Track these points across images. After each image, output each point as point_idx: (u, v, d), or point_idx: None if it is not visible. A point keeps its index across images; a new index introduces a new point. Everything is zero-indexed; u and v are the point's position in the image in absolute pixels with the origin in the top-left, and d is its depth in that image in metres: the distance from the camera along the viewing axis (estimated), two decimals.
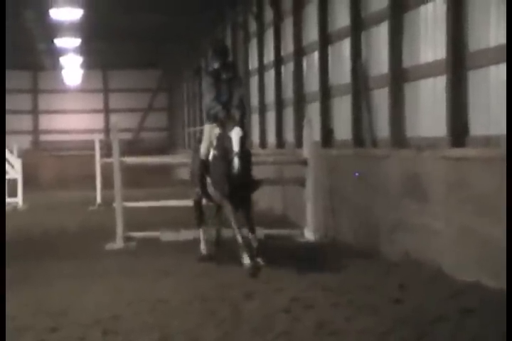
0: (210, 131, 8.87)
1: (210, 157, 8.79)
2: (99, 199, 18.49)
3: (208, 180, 8.90)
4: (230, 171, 8.33)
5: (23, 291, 7.61)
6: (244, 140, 8.42)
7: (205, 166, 8.89)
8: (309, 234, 10.73)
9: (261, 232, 10.94)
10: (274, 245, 10.11)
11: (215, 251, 9.46)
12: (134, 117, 33.49)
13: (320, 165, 10.99)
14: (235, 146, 8.31)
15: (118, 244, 10.55)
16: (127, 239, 10.72)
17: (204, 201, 9.59)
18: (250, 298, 6.92)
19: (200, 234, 9.68)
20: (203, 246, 9.50)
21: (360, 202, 9.87)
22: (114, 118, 33.06)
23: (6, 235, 11.58)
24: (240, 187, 8.48)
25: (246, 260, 8.35)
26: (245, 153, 8.47)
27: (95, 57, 29.74)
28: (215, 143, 8.74)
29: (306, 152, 11.03)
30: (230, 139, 8.36)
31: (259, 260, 8.42)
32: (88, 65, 30.51)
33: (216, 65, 8.83)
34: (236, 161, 8.25)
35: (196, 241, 10.43)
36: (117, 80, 33.32)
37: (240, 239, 8.45)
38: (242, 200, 8.61)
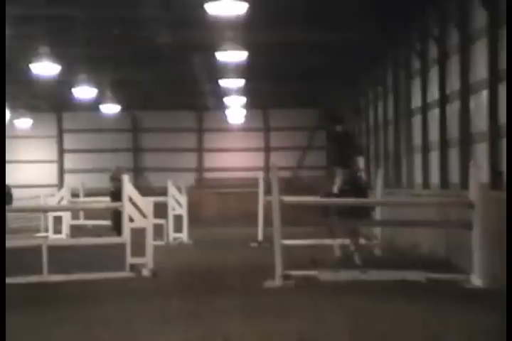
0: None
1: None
2: (260, 236, 18.73)
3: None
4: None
5: (184, 326, 7.76)
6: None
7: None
8: (477, 280, 10.22)
9: (423, 275, 10.58)
10: (437, 290, 9.74)
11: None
12: (293, 155, 33.90)
13: (488, 208, 10.49)
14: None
15: (276, 282, 10.55)
16: (286, 278, 10.70)
17: None
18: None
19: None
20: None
21: None
22: (274, 156, 33.69)
23: (173, 269, 11.96)
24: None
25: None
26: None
27: (257, 96, 30.54)
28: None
29: (472, 194, 10.59)
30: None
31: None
32: (250, 105, 31.37)
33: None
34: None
35: (355, 282, 10.29)
36: (277, 119, 33.97)
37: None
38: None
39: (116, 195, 14.53)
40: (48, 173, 32.96)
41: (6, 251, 10.48)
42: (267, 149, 34.21)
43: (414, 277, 10.69)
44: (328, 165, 12.61)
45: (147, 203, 11.97)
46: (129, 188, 11.88)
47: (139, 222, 11.77)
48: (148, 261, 11.78)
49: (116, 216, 14.47)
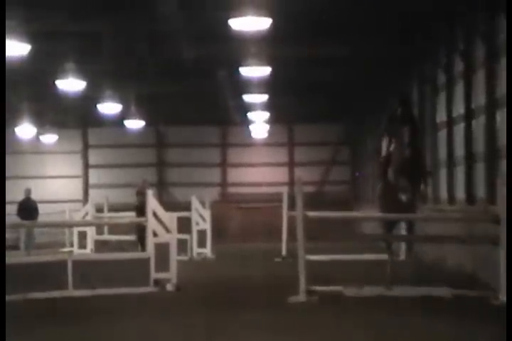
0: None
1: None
2: (284, 251, 18.65)
3: None
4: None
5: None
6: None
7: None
8: (504, 297, 10.06)
9: (448, 291, 10.45)
10: (463, 306, 9.61)
11: None
12: (317, 170, 33.80)
13: None
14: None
15: (301, 297, 10.48)
16: (310, 293, 10.62)
17: None
18: None
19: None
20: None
21: None
22: (298, 171, 33.63)
23: (197, 284, 11.93)
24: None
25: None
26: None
27: (280, 111, 30.56)
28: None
29: (499, 209, 10.46)
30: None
31: None
32: (274, 120, 31.40)
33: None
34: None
35: (379, 298, 10.19)
36: (301, 134, 33.94)
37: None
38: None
39: (140, 209, 14.57)
40: (73, 188, 33.12)
41: (29, 264, 10.53)
42: (291, 164, 34.15)
43: (439, 293, 10.57)
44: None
45: (171, 218, 11.98)
46: (153, 203, 11.90)
47: (163, 237, 11.78)
48: (172, 275, 11.77)
49: (141, 231, 14.49)
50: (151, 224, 11.76)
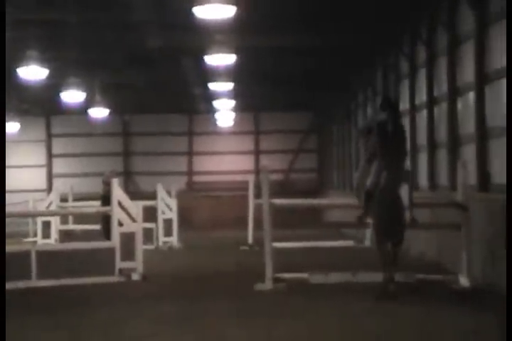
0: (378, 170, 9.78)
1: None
2: (250, 240, 18.74)
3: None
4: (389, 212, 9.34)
5: (178, 330, 7.75)
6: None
7: (369, 195, 9.77)
8: (464, 281, 10.26)
9: (412, 277, 10.61)
10: (425, 291, 9.78)
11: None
12: (284, 158, 33.91)
13: (476, 209, 10.53)
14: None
15: (267, 284, 10.55)
16: (277, 280, 10.70)
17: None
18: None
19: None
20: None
21: None
22: (264, 159, 33.71)
23: (163, 273, 11.93)
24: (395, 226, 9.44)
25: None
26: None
27: (247, 100, 30.56)
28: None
29: (460, 195, 10.64)
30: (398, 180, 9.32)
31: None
32: (240, 108, 31.38)
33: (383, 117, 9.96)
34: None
35: (346, 284, 10.30)
36: (268, 122, 34.00)
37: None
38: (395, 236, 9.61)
39: (106, 199, 14.51)
40: (36, 178, 32.81)
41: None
42: (258, 152, 34.22)
43: (403, 278, 10.72)
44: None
45: (137, 207, 11.95)
46: (118, 192, 11.86)
47: (129, 226, 11.76)
48: (138, 265, 11.77)
49: (106, 220, 14.46)
50: (117, 213, 11.72)
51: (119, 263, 11.63)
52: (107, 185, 15.99)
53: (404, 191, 9.41)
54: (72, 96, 24.35)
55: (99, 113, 29.08)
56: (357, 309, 8.73)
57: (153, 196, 20.27)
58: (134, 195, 21.07)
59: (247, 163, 34.03)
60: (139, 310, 8.95)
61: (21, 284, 10.74)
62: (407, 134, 10.55)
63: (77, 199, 23.76)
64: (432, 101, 16.64)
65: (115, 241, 11.68)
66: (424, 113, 17.18)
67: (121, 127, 33.76)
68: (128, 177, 33.37)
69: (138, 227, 11.82)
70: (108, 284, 11.21)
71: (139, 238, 11.79)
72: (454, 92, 14.96)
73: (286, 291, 10.28)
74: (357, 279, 10.73)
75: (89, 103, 27.82)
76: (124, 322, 8.24)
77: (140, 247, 11.81)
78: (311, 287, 10.53)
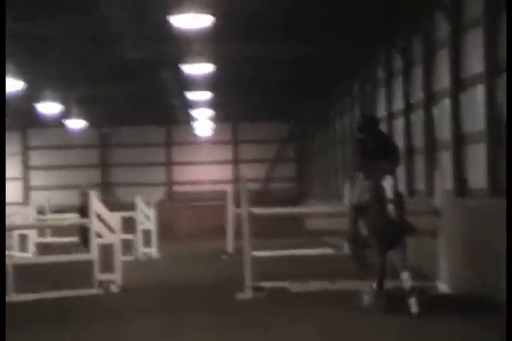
0: (362, 182, 9.38)
1: (367, 202, 9.17)
2: (230, 249, 18.68)
3: (361, 224, 9.30)
4: (383, 217, 8.82)
5: None
6: (397, 188, 9.00)
7: (357, 211, 9.32)
8: (443, 287, 10.30)
9: (391, 284, 10.63)
10: (405, 297, 9.77)
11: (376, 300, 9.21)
12: (262, 168, 33.93)
13: (453, 214, 10.59)
14: (388, 194, 8.78)
15: (247, 294, 10.52)
16: (256, 289, 10.67)
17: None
18: None
19: (362, 284, 9.66)
20: (365, 298, 9.36)
21: (498, 254, 9.37)
22: (243, 169, 33.71)
23: (142, 284, 11.83)
24: (393, 231, 8.94)
25: (414, 308, 8.51)
26: (398, 199, 8.96)
27: (225, 109, 30.57)
28: (367, 191, 9.17)
29: (437, 201, 10.69)
30: (382, 188, 8.84)
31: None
32: (218, 118, 31.39)
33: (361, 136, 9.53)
34: (390, 209, 8.74)
35: (325, 292, 10.29)
36: (246, 132, 34.04)
37: (405, 283, 8.81)
38: (395, 243, 9.08)
39: (84, 211, 14.40)
40: (13, 191, 32.47)
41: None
42: (236, 162, 34.23)
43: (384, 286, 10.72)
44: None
45: (115, 218, 11.87)
46: (96, 204, 11.78)
47: (107, 238, 11.67)
48: (117, 277, 11.67)
49: (84, 232, 14.34)
50: (95, 225, 11.64)
51: (98, 275, 11.52)
52: (85, 196, 15.89)
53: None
54: (49, 108, 24.22)
55: (76, 125, 28.94)
56: (335, 317, 8.71)
57: (132, 207, 20.17)
58: (113, 206, 20.93)
59: (225, 172, 34.00)
60: (119, 324, 8.86)
61: None
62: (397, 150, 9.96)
63: (54, 211, 23.56)
64: (408, 109, 16.75)
65: (93, 252, 11.58)
66: (401, 120, 17.29)
67: (99, 139, 33.60)
68: (106, 188, 33.19)
69: (116, 238, 11.73)
70: (87, 297, 11.11)
71: (118, 249, 11.70)
72: (430, 99, 15.07)
73: (266, 300, 10.25)
74: (336, 287, 10.73)
75: (66, 115, 27.68)
76: (104, 335, 8.15)
77: (119, 258, 11.73)
78: (290, 295, 10.51)
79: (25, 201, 31.93)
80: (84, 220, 13.21)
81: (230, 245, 18.83)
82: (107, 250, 11.57)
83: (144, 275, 14.22)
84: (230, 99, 28.57)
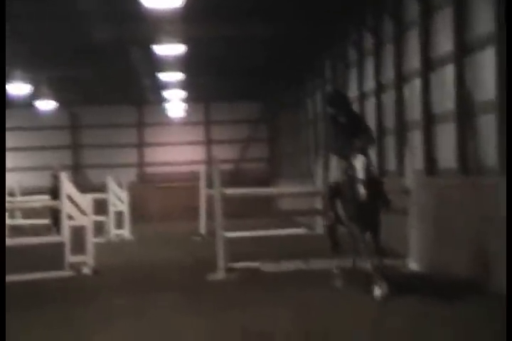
0: (338, 161, 9.19)
1: (340, 183, 9.05)
2: (203, 230, 18.69)
3: (339, 204, 9.18)
4: (356, 198, 8.65)
5: (130, 324, 7.69)
6: (369, 167, 8.78)
7: (333, 192, 9.19)
8: (413, 265, 10.43)
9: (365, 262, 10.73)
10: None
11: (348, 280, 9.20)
12: (235, 148, 33.90)
13: (423, 193, 10.69)
14: (360, 174, 8.60)
15: (219, 274, 10.56)
16: (229, 270, 10.71)
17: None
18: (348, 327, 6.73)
19: (334, 263, 9.63)
20: (337, 278, 9.32)
21: (467, 232, 9.50)
22: (216, 150, 33.64)
23: (114, 266, 11.82)
24: (366, 212, 8.78)
25: (377, 291, 8.31)
26: (372, 179, 8.76)
27: (197, 90, 30.41)
28: (342, 170, 9.02)
29: (408, 180, 10.78)
30: (354, 168, 8.69)
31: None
32: (190, 98, 31.23)
33: (332, 111, 9.22)
34: (361, 188, 8.53)
35: (298, 272, 10.36)
36: (219, 112, 33.91)
37: (370, 266, 8.61)
38: (369, 224, 8.92)
39: (55, 193, 14.31)
40: None
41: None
42: (208, 142, 34.15)
43: (356, 264, 10.82)
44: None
45: (86, 200, 11.81)
46: (67, 185, 11.70)
47: (79, 220, 11.61)
48: (88, 259, 11.64)
49: (55, 214, 14.27)
50: (66, 207, 11.56)
51: (70, 258, 11.47)
52: (56, 178, 15.77)
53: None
54: (18, 89, 23.90)
55: (46, 106, 28.61)
56: (308, 296, 8.78)
57: (104, 189, 20.06)
58: (84, 188, 20.79)
59: (198, 153, 33.92)
60: (90, 305, 8.86)
61: None
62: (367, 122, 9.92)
63: (25, 193, 23.36)
64: (379, 89, 16.80)
65: (65, 234, 11.52)
66: (373, 100, 17.35)
67: (69, 120, 33.29)
68: (77, 170, 32.96)
69: (88, 220, 11.67)
70: (58, 279, 11.07)
71: (90, 231, 11.66)
72: (401, 79, 15.12)
73: (238, 281, 10.29)
74: (309, 266, 10.80)
75: (35, 96, 27.34)
76: (75, 317, 8.14)
77: (90, 240, 11.69)
78: (263, 276, 10.56)
79: None
80: (55, 202, 13.12)
81: (202, 226, 18.84)
82: (78, 232, 11.52)
83: (116, 256, 14.20)
84: (201, 79, 28.41)
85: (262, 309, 8.15)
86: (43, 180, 26.85)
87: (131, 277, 11.30)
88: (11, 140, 32.66)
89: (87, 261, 11.61)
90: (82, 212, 11.67)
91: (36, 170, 31.16)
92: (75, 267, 11.53)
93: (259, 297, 8.90)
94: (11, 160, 32.60)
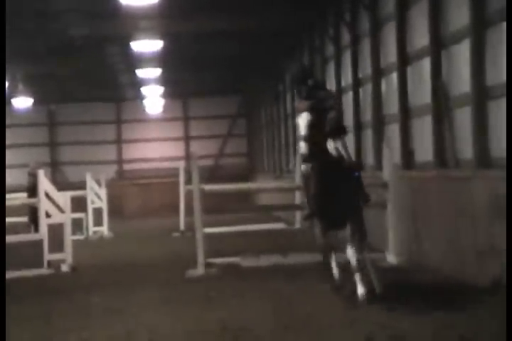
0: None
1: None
2: (182, 226, 18.66)
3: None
4: (325, 196, 7.73)
5: (108, 321, 7.66)
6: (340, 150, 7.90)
7: (306, 176, 8.25)
8: (392, 258, 10.47)
9: (341, 256, 10.77)
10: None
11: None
12: (214, 143, 33.86)
13: (401, 187, 10.74)
14: (302, 131, 7.62)
15: (199, 270, 10.54)
16: (208, 266, 10.70)
17: None
18: (335, 327, 6.76)
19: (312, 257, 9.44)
20: (335, 273, 8.37)
21: (445, 225, 9.56)
22: (194, 145, 33.58)
23: (93, 263, 11.76)
24: (333, 203, 7.76)
25: (361, 290, 7.67)
26: (338, 163, 7.81)
27: (175, 86, 30.33)
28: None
29: (386, 174, 10.82)
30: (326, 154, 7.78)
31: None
32: (169, 94, 31.13)
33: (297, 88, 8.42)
34: (302, 145, 7.57)
35: (277, 266, 10.38)
36: (197, 108, 33.85)
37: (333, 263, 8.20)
38: (341, 217, 7.93)
39: (32, 190, 14.18)
40: None
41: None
42: (187, 138, 34.08)
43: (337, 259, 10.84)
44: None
45: (64, 198, 11.74)
46: (44, 183, 11.62)
47: (57, 217, 11.55)
48: (67, 256, 11.58)
49: (33, 212, 14.15)
50: (44, 204, 11.49)
51: (48, 255, 11.41)
52: (33, 176, 15.62)
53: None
54: None
55: (22, 103, 28.38)
56: (286, 291, 8.79)
57: (82, 186, 19.96)
58: (62, 185, 20.68)
59: (177, 149, 33.86)
60: (68, 303, 8.81)
61: None
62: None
63: None
64: (357, 83, 16.84)
65: (43, 232, 11.46)
66: (350, 94, 17.39)
67: (47, 117, 33.06)
68: (55, 167, 32.76)
69: (66, 218, 11.61)
70: (37, 277, 11.01)
71: (68, 229, 11.60)
72: (378, 73, 15.17)
73: (218, 276, 10.28)
74: (288, 261, 10.83)
75: (12, 93, 27.11)
76: (52, 315, 8.09)
77: (69, 238, 11.63)
78: (243, 271, 10.56)
79: None
80: (32, 200, 13.02)
81: (181, 222, 18.81)
82: (56, 230, 11.45)
83: (94, 254, 14.14)
84: (179, 75, 28.34)
85: (240, 303, 8.15)
86: (19, 178, 26.70)
87: (110, 275, 11.24)
88: None
89: (66, 258, 11.55)
90: (60, 210, 11.60)
91: (14, 167, 30.92)
92: (54, 265, 11.47)
93: (238, 291, 8.90)
94: None
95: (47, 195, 11.52)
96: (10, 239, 11.75)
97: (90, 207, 19.26)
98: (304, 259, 10.82)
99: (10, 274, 10.90)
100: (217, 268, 10.68)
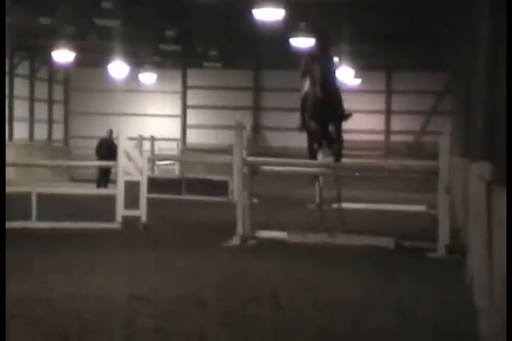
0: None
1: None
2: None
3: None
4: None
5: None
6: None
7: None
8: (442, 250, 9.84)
9: (392, 242, 10.32)
10: (403, 257, 9.51)
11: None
12: (415, 120, 32.72)
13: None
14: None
15: (234, 241, 10.63)
16: (250, 238, 10.73)
17: None
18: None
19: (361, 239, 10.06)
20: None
21: None
22: (395, 120, 32.71)
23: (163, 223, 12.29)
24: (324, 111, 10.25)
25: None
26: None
27: (380, 57, 29.73)
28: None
29: None
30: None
31: None
32: (372, 67, 30.60)
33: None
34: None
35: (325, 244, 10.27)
36: (403, 82, 32.85)
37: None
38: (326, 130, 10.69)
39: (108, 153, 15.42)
40: (171, 128, 33.99)
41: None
42: (388, 112, 33.22)
43: (383, 243, 10.41)
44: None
45: (143, 159, 12.39)
46: (126, 144, 12.32)
47: (134, 176, 12.19)
48: (141, 213, 12.19)
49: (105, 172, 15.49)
50: (122, 162, 12.18)
51: (123, 211, 12.09)
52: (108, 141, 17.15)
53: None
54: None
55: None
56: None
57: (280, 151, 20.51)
58: (263, 149, 21.28)
59: (377, 123, 33.30)
60: (129, 254, 9.47)
61: (20, 224, 11.28)
62: None
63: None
64: None
65: (119, 189, 12.15)
66: None
67: (253, 81, 34.08)
68: (257, 131, 33.86)
69: (143, 176, 12.22)
70: (106, 230, 11.66)
71: (144, 187, 12.19)
72: None
73: (252, 248, 10.30)
74: (334, 241, 10.60)
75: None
76: (95, 267, 8.61)
77: (144, 196, 12.22)
78: (283, 246, 10.46)
79: (183, 138, 33.65)
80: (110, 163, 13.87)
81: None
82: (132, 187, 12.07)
83: (167, 213, 14.59)
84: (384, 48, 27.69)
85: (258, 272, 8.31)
86: (225, 138, 28.42)
87: (171, 235, 11.65)
88: (199, 98, 34.19)
89: (139, 215, 12.17)
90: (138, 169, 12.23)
91: (217, 128, 32.64)
92: (127, 220, 12.13)
93: (256, 263, 8.89)
94: (197, 117, 34.21)
95: (127, 156, 12.19)
96: (86, 191, 12.68)
97: None
98: (351, 241, 10.50)
99: (82, 225, 11.73)
100: (260, 241, 10.69)
